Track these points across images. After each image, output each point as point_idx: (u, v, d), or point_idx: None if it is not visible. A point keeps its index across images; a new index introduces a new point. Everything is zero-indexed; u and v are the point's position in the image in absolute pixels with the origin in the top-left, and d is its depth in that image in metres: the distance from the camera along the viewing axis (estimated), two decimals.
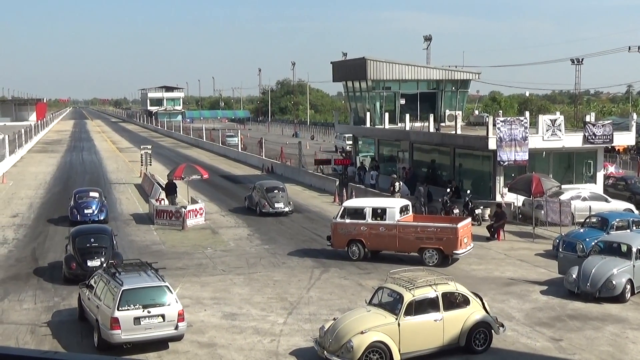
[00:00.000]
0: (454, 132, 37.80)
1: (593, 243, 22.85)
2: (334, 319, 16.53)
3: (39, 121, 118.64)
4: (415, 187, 37.84)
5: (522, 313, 19.61)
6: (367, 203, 26.99)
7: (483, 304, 16.95)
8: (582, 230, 26.42)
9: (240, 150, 71.01)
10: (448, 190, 34.19)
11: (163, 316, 16.76)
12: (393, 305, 16.11)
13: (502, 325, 17.00)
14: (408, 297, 15.91)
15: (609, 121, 38.79)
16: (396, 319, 15.75)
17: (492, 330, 16.61)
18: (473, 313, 16.50)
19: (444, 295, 16.33)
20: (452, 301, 16.47)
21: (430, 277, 16.77)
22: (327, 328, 16.13)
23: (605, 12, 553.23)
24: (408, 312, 15.84)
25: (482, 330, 16.47)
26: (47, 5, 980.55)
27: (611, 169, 45.14)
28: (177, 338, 17.12)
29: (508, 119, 34.30)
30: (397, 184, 36.89)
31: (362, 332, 15.43)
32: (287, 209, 35.54)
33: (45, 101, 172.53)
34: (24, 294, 21.87)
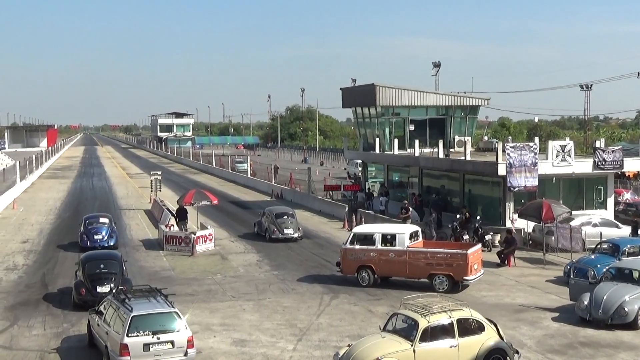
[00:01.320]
0: (463, 158, 37.79)
1: (604, 269, 22.70)
2: (349, 346, 16.43)
3: (50, 147, 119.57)
4: (424, 213, 37.83)
5: (534, 340, 19.46)
6: (377, 229, 26.93)
7: (498, 330, 16.87)
8: (593, 256, 26.26)
9: (249, 176, 71.16)
10: (458, 216, 34.09)
11: (172, 342, 16.72)
12: (408, 331, 16.02)
13: (517, 352, 16.91)
14: (423, 323, 15.83)
15: (618, 147, 38.70)
16: (411, 345, 15.66)
17: (507, 357, 16.49)
18: (488, 339, 16.41)
19: (459, 321, 16.25)
20: (467, 327, 16.38)
21: (445, 303, 16.69)
22: (341, 354, 16.04)
23: (614, 38, 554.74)
24: (423, 339, 15.75)
25: (497, 357, 16.36)
26: (58, 33, 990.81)
27: (627, 195, 44.79)
28: None
29: (518, 144, 34.28)
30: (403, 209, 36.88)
31: (377, 359, 15.32)
32: (296, 235, 35.50)
33: (56, 127, 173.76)
34: (34, 319, 21.86)
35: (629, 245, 26.04)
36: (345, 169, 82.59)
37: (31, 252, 33.07)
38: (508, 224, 33.07)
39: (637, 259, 24.63)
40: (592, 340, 19.42)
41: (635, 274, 21.40)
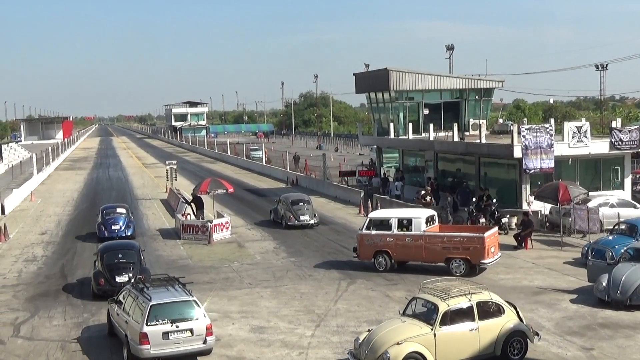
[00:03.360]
0: (478, 141, 37.62)
1: (622, 250, 22.58)
2: (369, 330, 16.46)
3: (66, 139, 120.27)
4: (440, 197, 37.71)
5: (552, 322, 19.42)
6: (393, 214, 26.91)
7: (517, 312, 16.85)
8: (610, 237, 26.11)
9: (264, 163, 71.24)
10: (474, 199, 33.97)
11: (191, 330, 16.82)
12: (428, 315, 16.04)
13: (537, 334, 16.87)
14: (443, 307, 15.84)
15: (635, 126, 38.35)
16: (432, 329, 15.67)
17: (527, 339, 16.49)
18: (508, 322, 16.41)
19: (479, 304, 16.24)
20: (487, 310, 16.37)
21: (464, 287, 16.67)
22: (362, 339, 16.07)
23: (629, 16, 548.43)
24: (443, 322, 15.76)
25: (517, 339, 16.36)
26: (72, 25, 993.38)
27: None
28: (206, 352, 17.17)
29: (533, 126, 34.06)
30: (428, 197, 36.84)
31: (398, 343, 15.34)
32: (312, 222, 35.54)
33: (71, 119, 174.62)
34: (54, 310, 22.07)
35: None
36: (361, 154, 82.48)
37: (50, 244, 33.34)
38: (524, 206, 32.94)
39: None
40: (610, 322, 19.35)
41: None
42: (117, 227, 33.15)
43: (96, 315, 21.18)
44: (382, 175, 48.64)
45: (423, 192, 37.52)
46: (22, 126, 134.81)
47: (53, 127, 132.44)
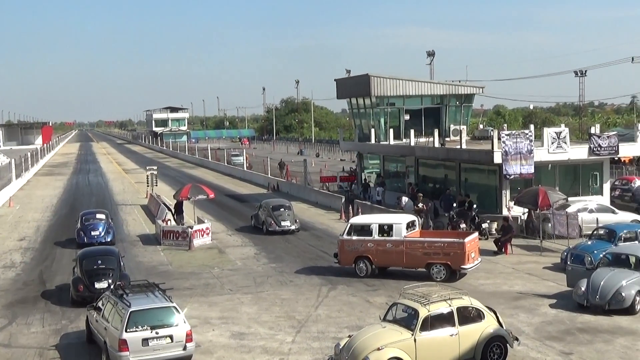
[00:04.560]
0: (459, 146, 37.79)
1: (601, 255, 22.73)
2: (349, 336, 16.45)
3: (45, 144, 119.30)
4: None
5: (532, 327, 19.51)
6: (374, 219, 26.95)
7: (497, 318, 16.94)
8: (589, 242, 26.30)
9: (245, 169, 71.07)
10: (455, 204, 34.09)
11: (171, 337, 16.73)
12: (408, 320, 16.07)
13: (517, 339, 16.96)
14: (423, 313, 15.88)
15: (614, 132, 38.71)
16: (412, 334, 15.71)
17: (507, 344, 16.56)
18: (488, 327, 16.49)
19: (459, 309, 16.30)
20: (467, 316, 16.44)
21: (444, 292, 16.75)
22: (342, 345, 16.08)
23: (608, 23, 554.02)
24: (424, 328, 15.80)
25: (497, 344, 16.44)
26: (52, 29, 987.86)
27: (639, 182, 44.15)
28: (186, 359, 17.06)
29: (513, 132, 34.27)
30: (404, 198, 36.84)
31: (378, 349, 15.36)
32: (293, 227, 35.50)
33: (50, 124, 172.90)
34: (32, 317, 21.86)
35: (625, 231, 26.09)
36: (342, 159, 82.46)
37: (28, 250, 33.05)
38: (505, 212, 33.10)
39: (633, 244, 24.71)
40: (589, 326, 19.48)
41: (632, 259, 21.45)
42: (97, 233, 32.92)
43: (75, 322, 21.01)
44: (363, 181, 48.69)
45: (406, 199, 37.47)
46: (0, 132, 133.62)
47: (32, 132, 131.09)
